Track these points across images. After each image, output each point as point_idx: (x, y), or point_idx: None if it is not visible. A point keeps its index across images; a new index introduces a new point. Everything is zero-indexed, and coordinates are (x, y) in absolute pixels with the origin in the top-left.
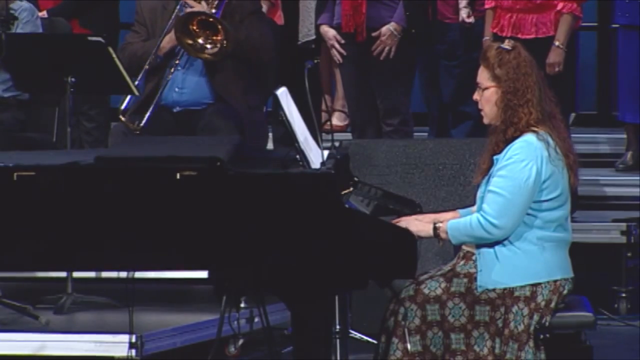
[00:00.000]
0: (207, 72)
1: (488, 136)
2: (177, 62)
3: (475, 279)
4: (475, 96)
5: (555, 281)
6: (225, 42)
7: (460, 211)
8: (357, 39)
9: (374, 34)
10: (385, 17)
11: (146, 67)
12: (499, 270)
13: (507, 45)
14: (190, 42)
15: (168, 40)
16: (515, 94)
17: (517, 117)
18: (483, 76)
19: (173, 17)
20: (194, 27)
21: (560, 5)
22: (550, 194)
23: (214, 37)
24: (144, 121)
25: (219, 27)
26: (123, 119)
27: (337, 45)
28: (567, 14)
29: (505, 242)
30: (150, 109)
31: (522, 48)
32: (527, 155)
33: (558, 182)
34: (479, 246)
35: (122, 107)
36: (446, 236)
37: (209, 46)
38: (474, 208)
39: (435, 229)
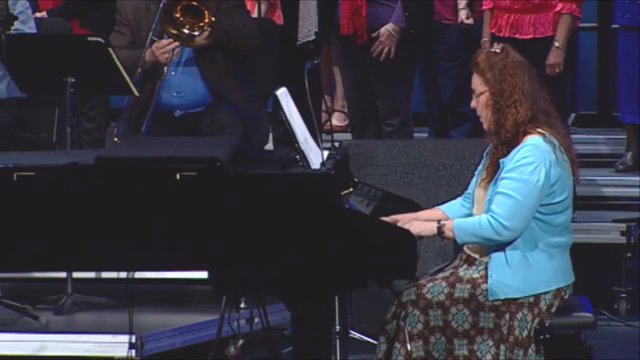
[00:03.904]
0: (200, 71)
1: (484, 138)
2: (165, 68)
3: (480, 285)
4: (473, 104)
5: (558, 288)
6: (211, 24)
7: (442, 207)
8: (357, 42)
9: (372, 35)
10: (384, 18)
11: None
12: (510, 279)
13: (495, 48)
14: (175, 32)
15: (150, 55)
16: (502, 95)
17: (504, 118)
18: (476, 82)
19: (157, 18)
20: (178, 16)
21: (559, 6)
22: (558, 197)
23: (200, 24)
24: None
25: (203, 10)
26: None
27: None
28: (566, 14)
29: (516, 248)
30: (145, 123)
31: (512, 50)
32: (536, 158)
33: (565, 185)
34: (490, 251)
35: (115, 131)
36: (451, 234)
37: (196, 33)
38: (456, 201)
39: (439, 227)
